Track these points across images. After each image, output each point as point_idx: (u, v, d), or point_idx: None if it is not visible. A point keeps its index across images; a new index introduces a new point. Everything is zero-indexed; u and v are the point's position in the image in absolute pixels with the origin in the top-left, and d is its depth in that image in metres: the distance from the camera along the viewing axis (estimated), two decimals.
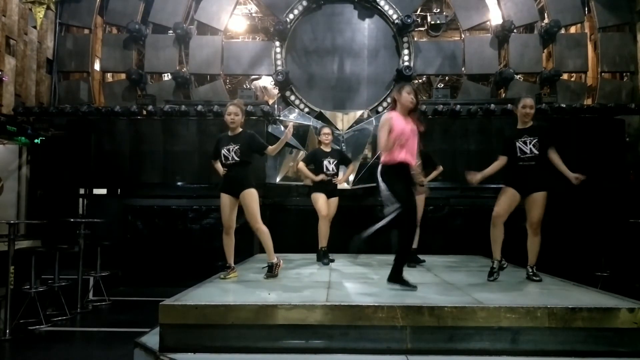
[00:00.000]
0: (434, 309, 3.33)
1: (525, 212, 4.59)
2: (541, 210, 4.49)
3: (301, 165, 6.19)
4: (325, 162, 6.03)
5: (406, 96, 4.20)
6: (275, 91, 10.57)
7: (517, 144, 4.53)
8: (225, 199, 4.69)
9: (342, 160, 6.26)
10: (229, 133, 4.77)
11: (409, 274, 5.09)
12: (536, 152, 4.48)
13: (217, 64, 10.19)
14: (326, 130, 6.23)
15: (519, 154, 4.53)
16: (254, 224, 4.66)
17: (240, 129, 4.77)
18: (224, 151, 4.67)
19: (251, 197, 4.63)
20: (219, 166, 4.86)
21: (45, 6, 9.26)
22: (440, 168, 6.06)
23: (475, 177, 4.61)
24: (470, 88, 10.23)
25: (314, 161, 6.12)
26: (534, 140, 4.49)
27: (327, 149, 6.14)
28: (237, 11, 11.45)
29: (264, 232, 4.70)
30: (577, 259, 7.56)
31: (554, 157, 4.56)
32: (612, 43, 10.03)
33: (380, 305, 3.36)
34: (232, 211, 4.70)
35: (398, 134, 4.09)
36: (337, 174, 6.12)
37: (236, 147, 4.64)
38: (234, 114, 4.70)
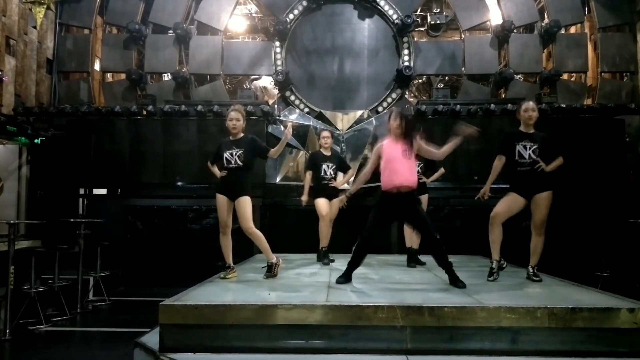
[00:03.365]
0: (434, 309, 3.33)
1: (527, 211, 4.59)
2: (545, 211, 4.49)
3: (307, 175, 6.18)
4: (324, 166, 6.04)
5: (391, 123, 4.43)
6: (275, 91, 10.57)
7: (517, 147, 4.54)
8: (222, 199, 4.71)
9: (341, 166, 6.28)
10: (231, 138, 4.80)
11: (409, 274, 5.10)
12: (534, 157, 4.50)
13: (217, 64, 10.20)
14: (326, 133, 6.23)
15: (517, 158, 4.54)
16: (246, 228, 4.66)
17: (242, 134, 4.81)
18: (226, 155, 4.68)
19: (246, 203, 4.66)
20: (215, 170, 4.88)
21: (45, 6, 9.27)
22: (442, 170, 6.07)
23: (484, 190, 4.67)
24: (470, 88, 10.23)
25: (314, 164, 6.13)
26: (534, 147, 4.51)
27: (327, 153, 6.16)
28: (237, 11, 11.44)
29: (257, 235, 4.72)
30: (577, 259, 7.56)
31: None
32: (612, 43, 10.04)
33: (380, 305, 3.35)
34: (229, 212, 4.73)
35: (386, 159, 4.36)
36: (334, 178, 6.14)
37: (240, 152, 4.66)
38: (235, 119, 4.74)
